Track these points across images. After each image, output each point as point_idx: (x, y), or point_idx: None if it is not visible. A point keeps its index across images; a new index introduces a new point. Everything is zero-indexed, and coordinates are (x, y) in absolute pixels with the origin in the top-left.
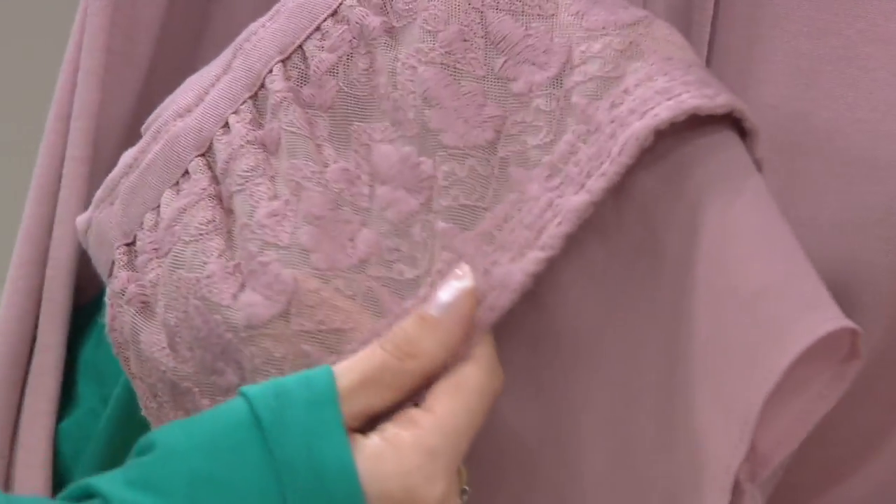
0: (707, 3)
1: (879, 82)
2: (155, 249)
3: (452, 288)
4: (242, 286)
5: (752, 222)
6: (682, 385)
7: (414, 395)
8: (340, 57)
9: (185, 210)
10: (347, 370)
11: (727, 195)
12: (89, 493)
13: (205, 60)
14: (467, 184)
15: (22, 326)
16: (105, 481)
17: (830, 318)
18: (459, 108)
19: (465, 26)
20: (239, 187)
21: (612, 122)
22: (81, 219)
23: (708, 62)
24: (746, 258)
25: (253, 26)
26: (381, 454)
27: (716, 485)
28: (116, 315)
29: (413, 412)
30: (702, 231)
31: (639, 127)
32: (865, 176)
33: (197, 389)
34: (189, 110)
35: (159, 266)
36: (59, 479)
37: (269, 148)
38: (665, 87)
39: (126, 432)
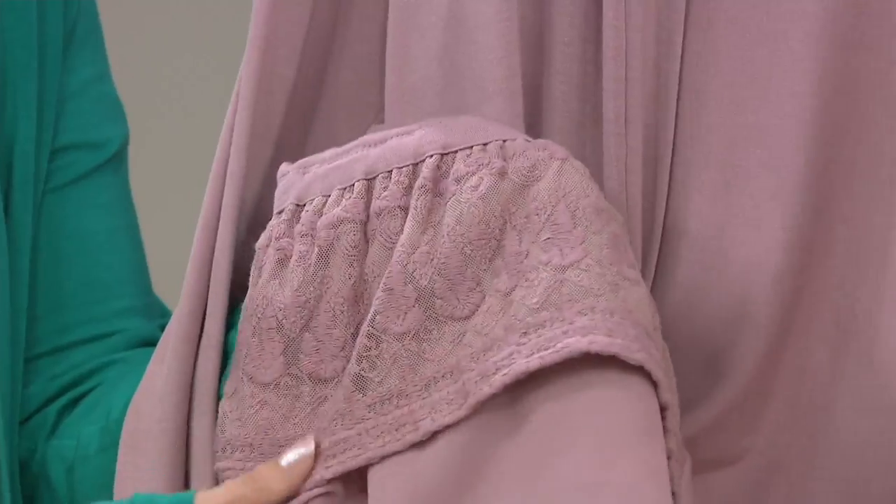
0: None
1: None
2: (312, 231)
3: (298, 451)
4: None
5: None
6: None
7: None
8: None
9: (341, 223)
10: (212, 493)
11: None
12: None
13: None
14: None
15: (193, 322)
16: None
17: None
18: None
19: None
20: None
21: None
22: (283, 166)
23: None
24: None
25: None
26: None
27: None
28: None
29: None
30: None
31: (517, 366)
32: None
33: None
34: (376, 144)
35: (309, 246)
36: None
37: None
38: (553, 336)
39: None
